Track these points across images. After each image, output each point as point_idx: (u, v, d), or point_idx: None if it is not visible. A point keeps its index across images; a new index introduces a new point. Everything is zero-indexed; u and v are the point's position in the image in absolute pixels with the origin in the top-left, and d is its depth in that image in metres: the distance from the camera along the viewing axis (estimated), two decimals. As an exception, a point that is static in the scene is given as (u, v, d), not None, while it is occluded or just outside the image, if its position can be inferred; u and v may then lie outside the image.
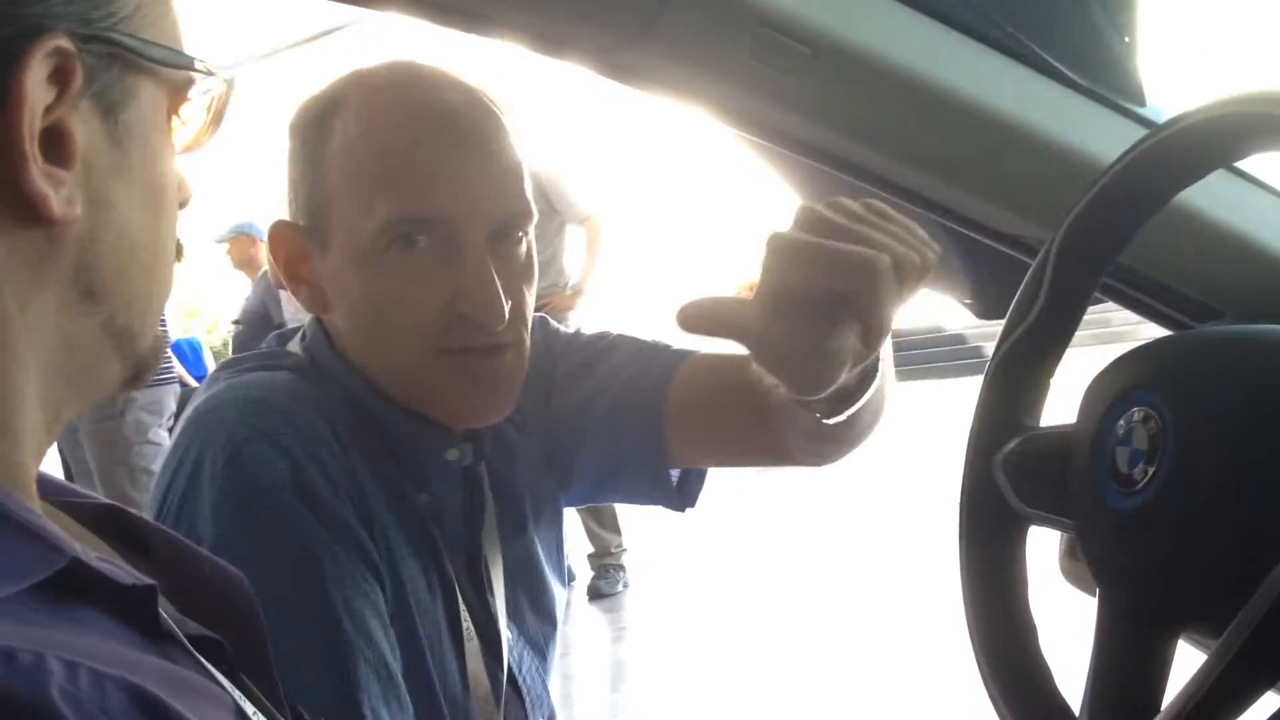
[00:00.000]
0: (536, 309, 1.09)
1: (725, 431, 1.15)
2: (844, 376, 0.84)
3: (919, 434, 8.62)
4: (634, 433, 1.15)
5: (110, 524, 0.62)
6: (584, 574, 5.53)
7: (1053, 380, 0.91)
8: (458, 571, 1.07)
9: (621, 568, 5.49)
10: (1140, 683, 0.79)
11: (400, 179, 0.97)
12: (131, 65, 0.56)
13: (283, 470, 0.94)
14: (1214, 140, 0.83)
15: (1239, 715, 0.68)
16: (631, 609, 5.25)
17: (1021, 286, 0.92)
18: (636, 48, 0.92)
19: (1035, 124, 0.95)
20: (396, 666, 0.96)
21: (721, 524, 6.68)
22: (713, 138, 1.18)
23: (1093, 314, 0.93)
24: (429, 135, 0.98)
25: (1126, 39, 1.03)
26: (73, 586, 0.48)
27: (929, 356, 13.24)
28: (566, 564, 1.32)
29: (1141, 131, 0.95)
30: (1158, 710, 0.76)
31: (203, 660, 0.54)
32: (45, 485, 0.59)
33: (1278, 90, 0.75)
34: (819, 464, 1.14)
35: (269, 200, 4.93)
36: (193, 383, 6.81)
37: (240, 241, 6.42)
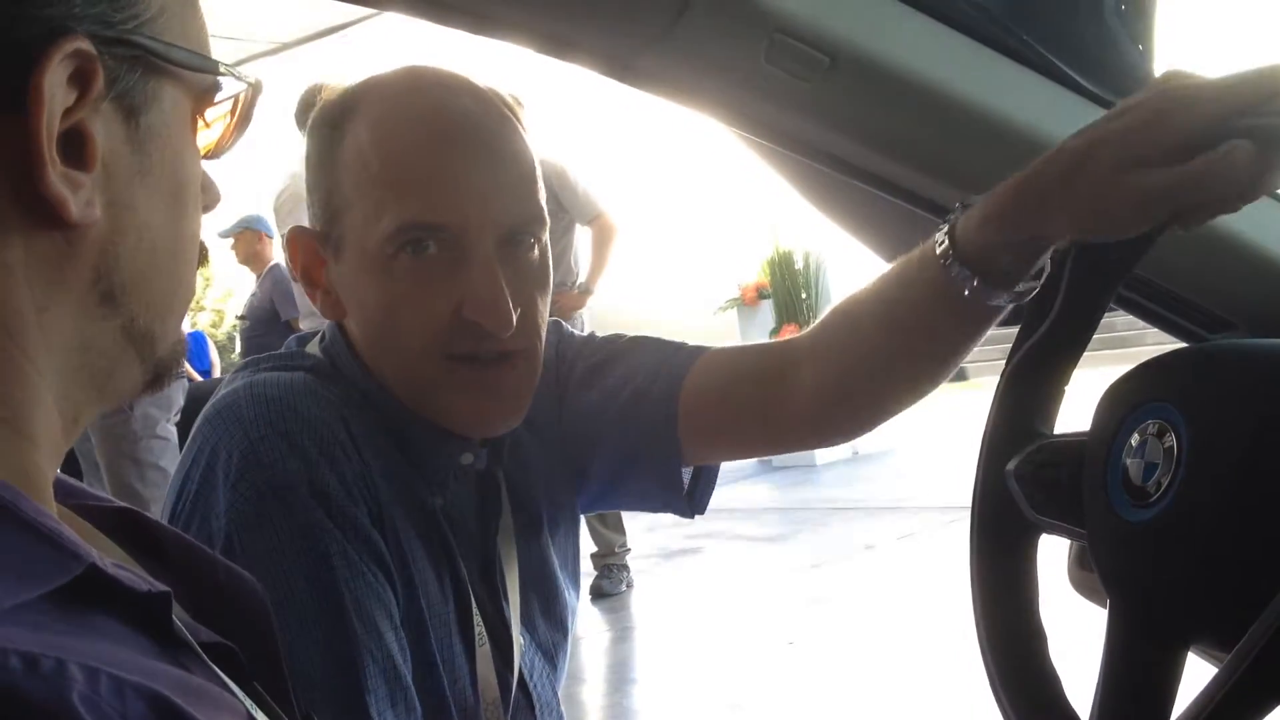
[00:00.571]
0: None
1: (739, 425, 1.15)
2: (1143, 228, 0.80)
3: (923, 436, 8.61)
4: (647, 437, 1.14)
5: (125, 528, 0.62)
6: (587, 573, 5.53)
7: (1066, 388, 0.91)
8: (471, 575, 1.06)
9: (625, 567, 5.49)
10: (1150, 694, 0.78)
11: (409, 186, 0.97)
12: (154, 68, 0.55)
13: (297, 468, 0.94)
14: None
15: (1250, 729, 0.68)
16: (634, 609, 5.25)
17: (1036, 295, 0.92)
18: (652, 53, 0.92)
19: (1052, 132, 0.95)
20: (406, 668, 0.96)
21: (722, 524, 6.67)
22: (716, 139, 1.18)
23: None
24: (438, 142, 0.98)
25: (1141, 47, 1.03)
26: (89, 593, 0.48)
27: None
28: None
29: (1155, 141, 0.95)
30: (1167, 722, 0.76)
31: (215, 668, 0.54)
32: (61, 488, 0.59)
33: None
34: (835, 442, 1.15)
35: (270, 195, 4.94)
36: (196, 376, 6.82)
37: (246, 236, 6.41)
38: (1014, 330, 0.95)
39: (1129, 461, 0.81)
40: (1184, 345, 1.01)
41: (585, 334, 1.24)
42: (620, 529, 5.47)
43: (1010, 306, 0.92)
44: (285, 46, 5.86)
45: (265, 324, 5.88)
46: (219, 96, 0.61)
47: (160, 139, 0.56)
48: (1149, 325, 1.07)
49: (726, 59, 0.91)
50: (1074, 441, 0.88)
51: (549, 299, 1.06)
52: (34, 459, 0.53)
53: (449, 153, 0.98)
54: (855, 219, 1.24)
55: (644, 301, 12.57)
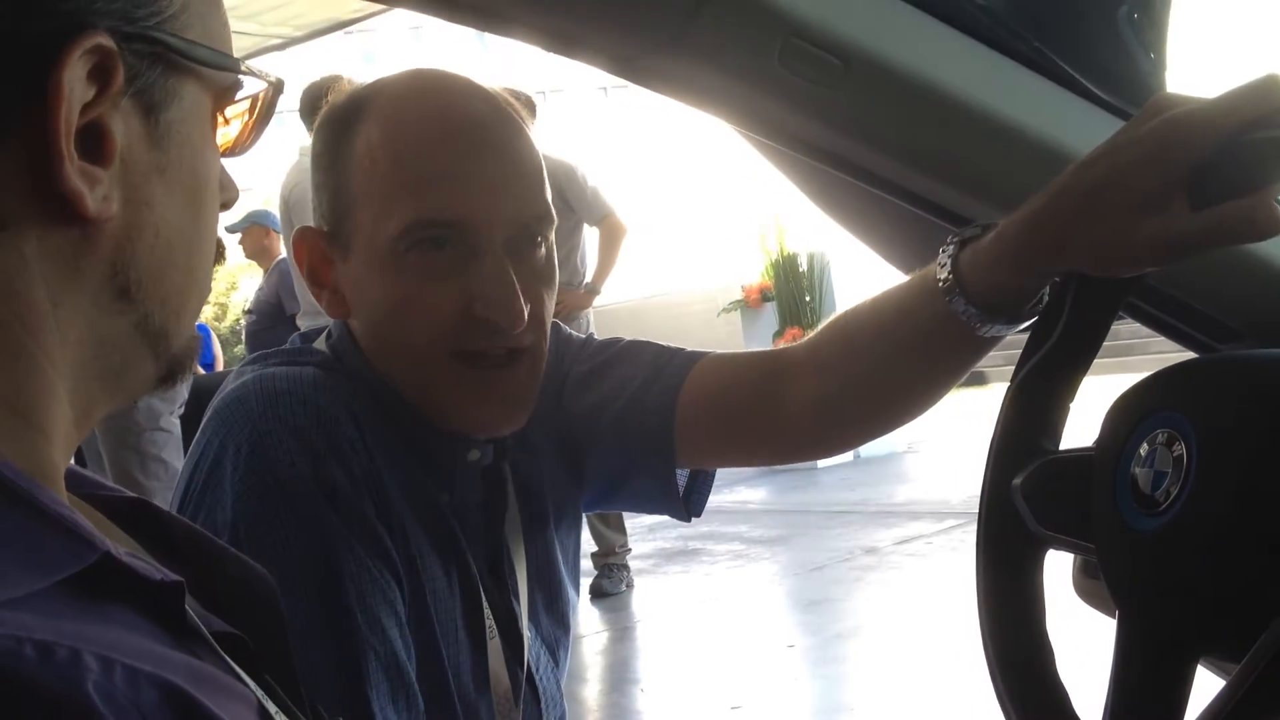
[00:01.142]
0: None
1: (733, 432, 1.16)
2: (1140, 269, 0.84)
3: (927, 439, 8.61)
4: (644, 440, 1.15)
5: (136, 518, 0.63)
6: (588, 573, 5.53)
7: (1072, 403, 0.90)
8: (480, 569, 1.07)
9: (625, 567, 5.49)
10: (1159, 706, 0.78)
11: (419, 184, 0.98)
12: (175, 65, 0.56)
13: (305, 463, 0.94)
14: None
15: (1258, 742, 0.67)
16: (634, 609, 5.25)
17: (1044, 306, 0.91)
18: (663, 53, 0.91)
19: (1061, 141, 0.95)
20: (410, 664, 0.96)
21: (723, 526, 6.67)
22: (722, 140, 1.18)
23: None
24: (448, 141, 0.99)
25: (1153, 55, 1.03)
26: (103, 581, 0.49)
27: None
28: None
29: (1166, 150, 0.95)
30: (1176, 734, 0.76)
31: (227, 658, 0.54)
32: (72, 478, 0.59)
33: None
34: (824, 455, 1.18)
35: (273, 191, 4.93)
36: (199, 369, 6.82)
37: (254, 231, 6.42)
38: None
39: (1138, 470, 0.81)
40: (1193, 355, 1.01)
41: (585, 336, 1.25)
42: (621, 529, 5.48)
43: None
44: (294, 41, 5.86)
45: (271, 319, 5.87)
46: (239, 95, 0.61)
47: (179, 136, 0.57)
48: (1153, 334, 1.07)
49: (739, 61, 0.91)
50: (1079, 457, 0.87)
51: (555, 297, 1.07)
52: (46, 451, 0.53)
53: (459, 152, 0.98)
54: (863, 224, 1.24)
55: (648, 302, 12.57)
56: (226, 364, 10.62)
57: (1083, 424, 0.92)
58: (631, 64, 0.95)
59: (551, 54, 0.97)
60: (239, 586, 0.63)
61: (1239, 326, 1.00)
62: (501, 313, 0.98)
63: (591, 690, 4.28)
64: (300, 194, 4.77)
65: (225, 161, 0.63)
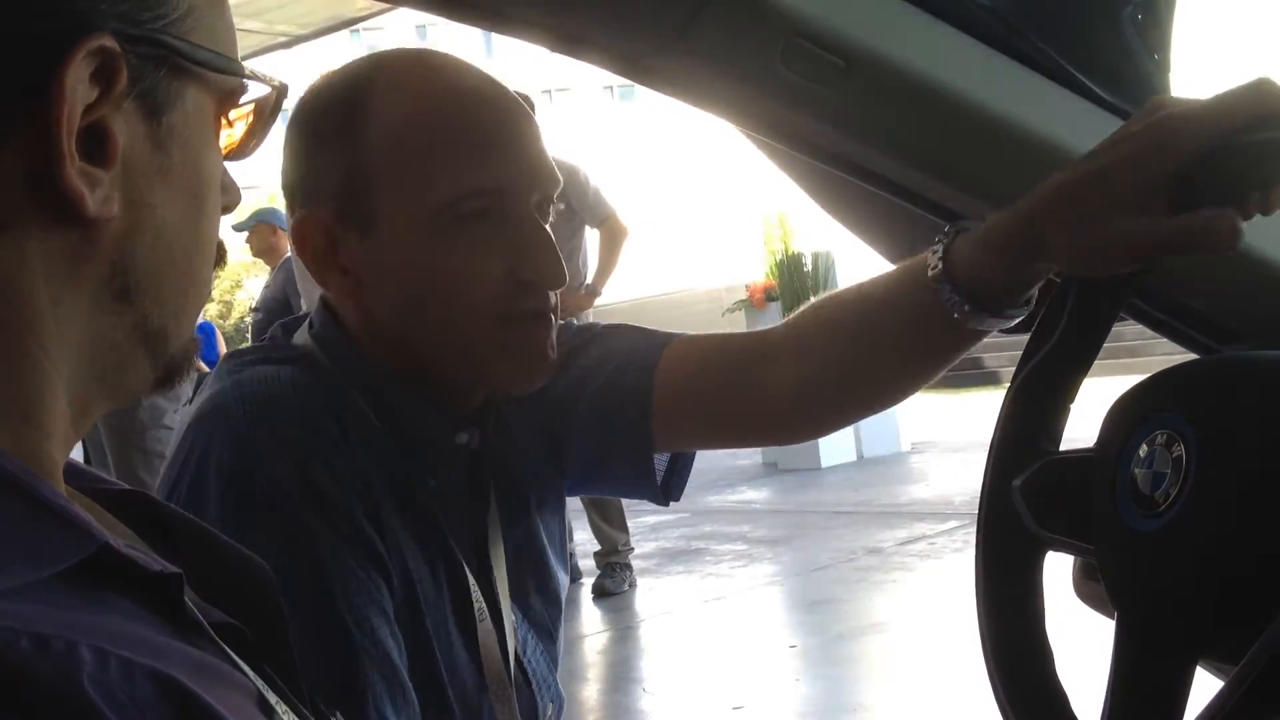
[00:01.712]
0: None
1: (711, 413, 1.16)
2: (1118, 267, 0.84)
3: (930, 441, 8.61)
4: (620, 422, 1.15)
5: (136, 510, 0.63)
6: (590, 572, 5.53)
7: (1073, 404, 0.91)
8: (465, 554, 1.07)
9: (628, 567, 5.49)
10: (1157, 707, 0.78)
11: (460, 155, 0.99)
12: (179, 68, 0.56)
13: (288, 470, 0.94)
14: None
15: (1256, 743, 0.68)
16: (637, 609, 5.25)
17: (1046, 307, 0.92)
18: (667, 53, 0.92)
19: (1064, 141, 0.95)
20: (402, 663, 0.97)
21: (726, 525, 6.68)
22: (727, 140, 1.18)
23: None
24: (480, 112, 1.00)
25: (1156, 56, 1.03)
26: (101, 573, 0.49)
27: (954, 365, 13.18)
28: (571, 561, 1.33)
29: (1170, 151, 0.95)
30: (1174, 736, 0.76)
31: (226, 648, 0.54)
32: (71, 472, 0.59)
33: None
34: (800, 440, 1.19)
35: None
36: (204, 368, 6.84)
37: (260, 230, 6.43)
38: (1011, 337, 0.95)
39: (1137, 471, 0.81)
40: (1194, 357, 1.01)
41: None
42: (624, 528, 5.48)
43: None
44: (300, 39, 5.87)
45: (277, 316, 5.87)
46: (243, 98, 0.61)
47: (181, 139, 0.57)
48: (1158, 336, 1.07)
49: (742, 61, 0.91)
50: (1079, 458, 0.87)
51: None
52: (45, 448, 0.54)
53: (494, 121, 1.00)
54: (867, 223, 1.24)
55: (652, 301, 12.57)
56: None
57: (1087, 425, 0.92)
58: (635, 64, 0.95)
59: (557, 54, 0.98)
60: (238, 578, 0.63)
61: (1239, 328, 1.00)
62: (546, 275, 1.00)
63: (594, 690, 4.29)
64: None
65: (229, 164, 0.63)
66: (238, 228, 6.57)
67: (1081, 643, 1.19)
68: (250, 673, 0.55)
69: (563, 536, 1.24)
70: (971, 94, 0.92)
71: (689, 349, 1.16)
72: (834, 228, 1.26)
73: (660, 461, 1.18)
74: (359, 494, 0.97)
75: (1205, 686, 0.77)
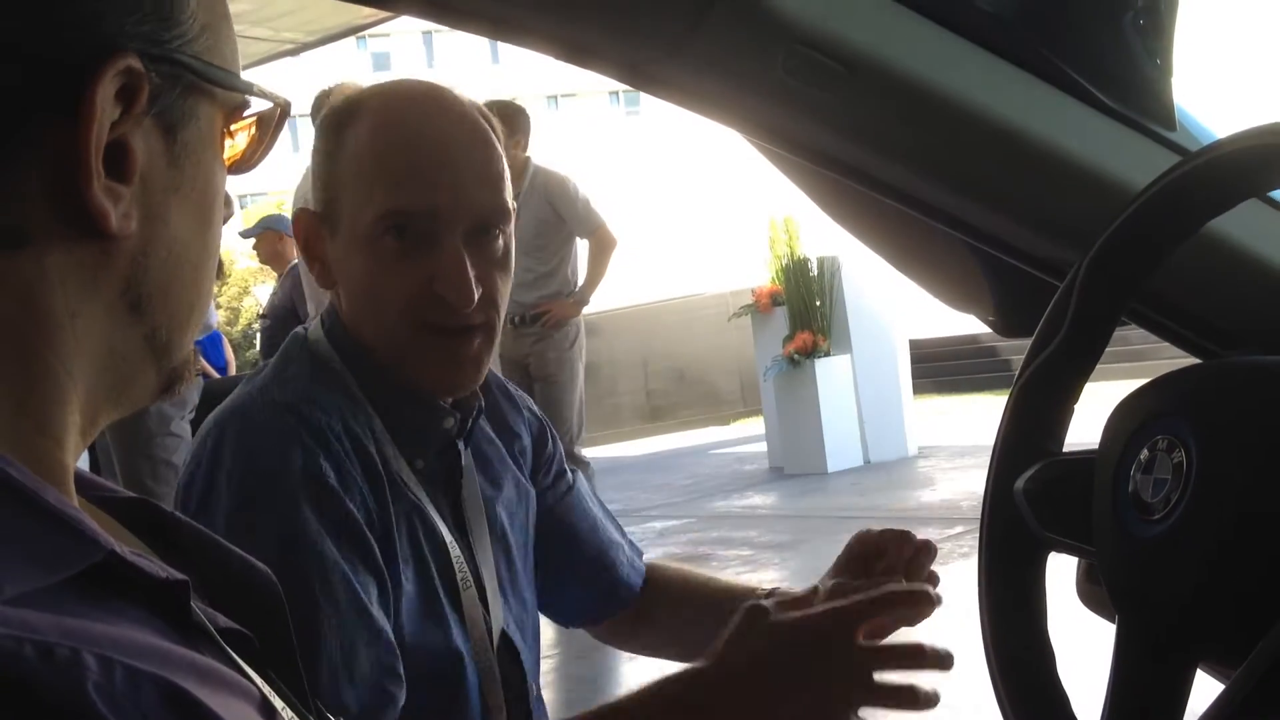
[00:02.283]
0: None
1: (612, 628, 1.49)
2: None
3: (935, 446, 8.59)
4: (598, 588, 1.40)
5: (140, 518, 0.63)
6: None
7: (1076, 405, 0.91)
8: (451, 531, 1.19)
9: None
10: (1157, 711, 0.78)
11: (395, 177, 1.14)
12: (193, 87, 0.57)
13: (295, 466, 1.07)
14: (1247, 170, 0.83)
15: (1256, 747, 0.68)
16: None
17: (1048, 310, 0.92)
18: (669, 61, 0.92)
19: (1065, 146, 0.95)
20: (394, 645, 1.07)
21: (732, 531, 6.67)
22: (731, 144, 1.21)
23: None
24: (419, 146, 1.15)
25: (1159, 63, 1.03)
26: (108, 580, 0.49)
27: (962, 368, 13.19)
28: None
29: (1171, 156, 0.95)
30: (1174, 739, 0.76)
31: (233, 654, 0.55)
32: (77, 481, 0.60)
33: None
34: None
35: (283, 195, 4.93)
36: (213, 373, 6.85)
37: (268, 237, 6.44)
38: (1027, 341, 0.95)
39: (1138, 477, 0.81)
40: (1195, 361, 1.01)
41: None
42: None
43: None
44: (307, 46, 5.89)
45: (285, 323, 5.89)
46: (246, 112, 0.63)
47: (194, 155, 0.58)
48: (1162, 340, 1.07)
49: (744, 68, 0.92)
50: (1083, 459, 0.88)
51: (510, 282, 1.21)
52: (58, 456, 0.55)
53: (429, 153, 1.15)
54: (870, 229, 1.24)
55: (659, 307, 12.58)
56: (239, 368, 10.65)
57: (1093, 429, 0.93)
58: (639, 71, 0.96)
59: (562, 62, 0.99)
60: (242, 585, 0.64)
61: (1241, 332, 1.00)
62: (454, 292, 1.13)
63: (597, 697, 4.28)
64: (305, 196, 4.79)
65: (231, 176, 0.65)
66: (245, 234, 6.58)
67: (1083, 644, 1.19)
68: (256, 678, 0.55)
69: (527, 562, 1.33)
70: (973, 100, 0.93)
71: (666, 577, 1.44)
72: (840, 233, 1.27)
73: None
74: (361, 491, 1.10)
75: (1206, 690, 0.77)
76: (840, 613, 0.90)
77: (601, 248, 5.25)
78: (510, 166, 1.23)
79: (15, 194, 0.52)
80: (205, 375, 6.28)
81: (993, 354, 12.74)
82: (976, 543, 0.95)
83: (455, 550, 1.17)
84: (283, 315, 5.96)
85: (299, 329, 1.26)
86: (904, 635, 0.98)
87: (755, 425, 10.32)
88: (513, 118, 4.71)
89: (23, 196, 0.52)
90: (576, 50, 0.95)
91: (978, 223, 1.03)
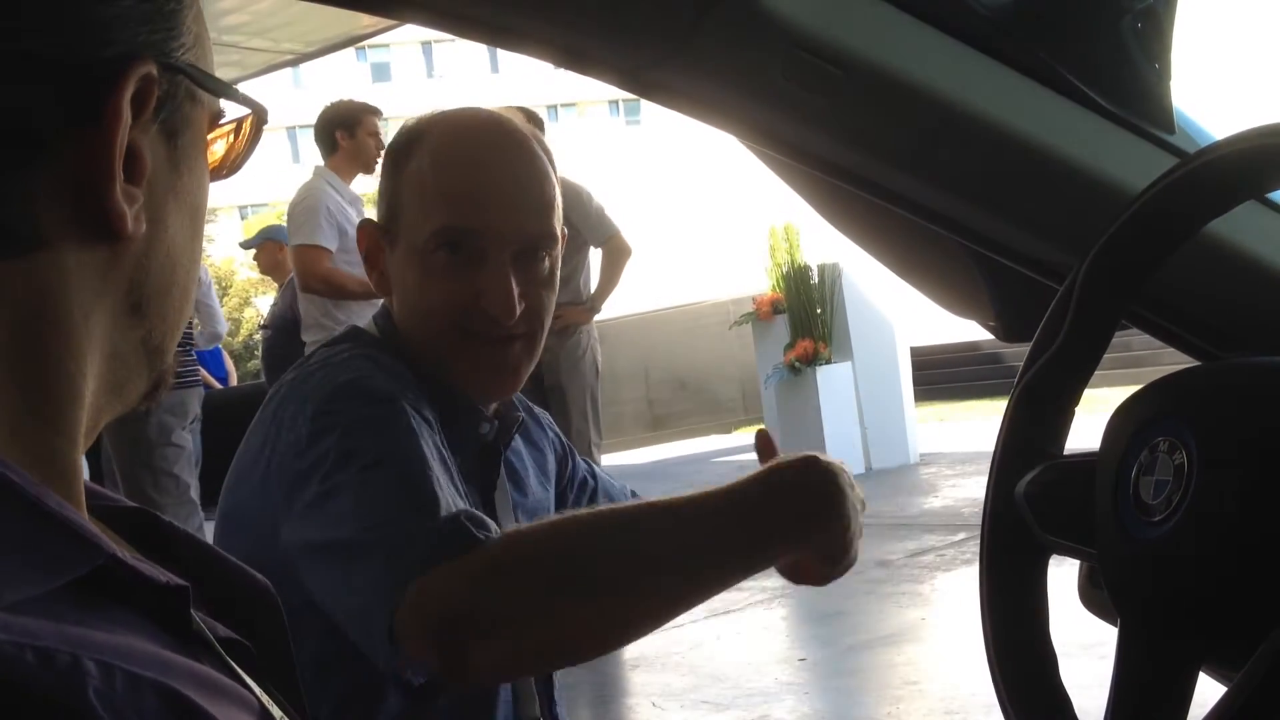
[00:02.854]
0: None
1: None
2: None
3: (939, 451, 8.59)
4: None
5: (139, 528, 0.63)
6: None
7: (1076, 408, 0.91)
8: None
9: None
10: (1160, 713, 0.78)
11: (452, 198, 1.23)
12: (190, 93, 0.59)
13: (380, 384, 1.15)
14: (1245, 171, 0.82)
15: (1259, 749, 0.67)
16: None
17: (1048, 313, 0.92)
18: (667, 66, 0.92)
19: (1064, 149, 0.95)
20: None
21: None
22: (731, 151, 1.23)
23: (1113, 338, 0.93)
24: (479, 168, 1.25)
25: (1157, 66, 1.03)
26: (108, 585, 0.49)
27: (960, 375, 13.19)
28: None
29: (1169, 159, 0.95)
30: (1177, 742, 0.76)
31: (233, 663, 0.55)
32: None
33: (1310, 123, 0.75)
34: None
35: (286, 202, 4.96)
36: (215, 384, 6.86)
37: (268, 248, 6.45)
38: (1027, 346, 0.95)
39: (1139, 479, 0.81)
40: (1196, 363, 1.01)
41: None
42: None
43: None
44: (306, 57, 5.90)
45: (287, 333, 5.89)
46: (225, 119, 0.64)
47: (190, 160, 0.60)
48: (1165, 345, 1.07)
49: (742, 73, 0.92)
50: (1083, 461, 0.88)
51: (554, 298, 1.30)
52: (72, 455, 0.55)
53: (483, 178, 1.24)
54: (869, 234, 1.25)
55: (660, 315, 12.58)
56: (240, 379, 10.64)
57: (1093, 438, 0.93)
58: (637, 77, 0.96)
59: (562, 68, 0.99)
60: (241, 595, 0.64)
61: (1241, 334, 1.00)
62: (498, 307, 1.22)
63: (602, 705, 4.28)
64: (301, 212, 4.81)
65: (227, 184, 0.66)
66: (245, 245, 6.59)
67: (1085, 647, 1.18)
68: (256, 688, 0.55)
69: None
70: (971, 104, 0.93)
71: None
72: (840, 239, 1.27)
73: None
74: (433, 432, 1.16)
75: (1208, 692, 0.77)
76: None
77: (615, 256, 5.26)
78: None
79: (35, 197, 0.53)
80: (207, 386, 6.29)
81: (995, 360, 12.74)
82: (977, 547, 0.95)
83: None
84: (284, 326, 5.96)
85: (350, 328, 1.34)
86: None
87: (757, 433, 10.28)
88: (534, 121, 4.73)
89: (42, 199, 0.53)
90: (575, 56, 0.96)
91: (976, 227, 1.03)
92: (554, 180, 1.28)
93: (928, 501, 7.15)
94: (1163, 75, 1.02)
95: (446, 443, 1.22)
